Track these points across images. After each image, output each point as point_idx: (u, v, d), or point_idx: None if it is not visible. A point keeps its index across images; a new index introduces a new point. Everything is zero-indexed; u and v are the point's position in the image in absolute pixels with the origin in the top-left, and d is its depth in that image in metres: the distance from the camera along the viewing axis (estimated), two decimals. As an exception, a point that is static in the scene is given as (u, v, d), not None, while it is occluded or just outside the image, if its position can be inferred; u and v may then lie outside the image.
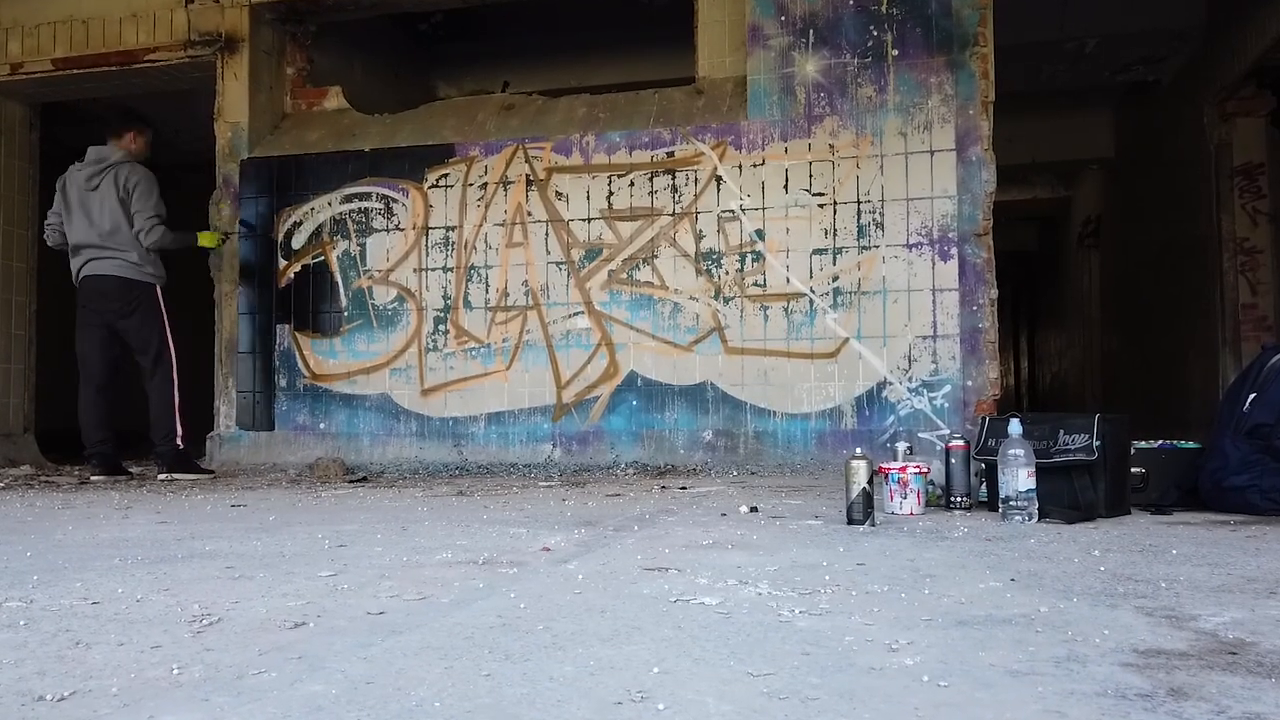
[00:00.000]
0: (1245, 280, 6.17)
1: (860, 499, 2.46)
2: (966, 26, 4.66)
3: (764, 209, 4.83)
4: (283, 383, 5.40)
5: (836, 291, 4.73)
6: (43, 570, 1.93)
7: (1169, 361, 7.17)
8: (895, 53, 4.74)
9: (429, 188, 5.29)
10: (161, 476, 4.54)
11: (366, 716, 0.99)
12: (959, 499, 2.85)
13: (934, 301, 4.60)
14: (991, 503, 2.76)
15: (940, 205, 4.63)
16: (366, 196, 5.38)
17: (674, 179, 4.95)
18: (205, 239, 5.09)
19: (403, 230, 5.31)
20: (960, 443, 2.90)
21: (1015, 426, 2.58)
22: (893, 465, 2.79)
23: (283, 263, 5.46)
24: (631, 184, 5.00)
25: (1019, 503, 2.52)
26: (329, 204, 5.43)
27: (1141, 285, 7.96)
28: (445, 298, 5.22)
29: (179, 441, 4.65)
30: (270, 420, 5.39)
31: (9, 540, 2.42)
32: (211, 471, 4.76)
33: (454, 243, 5.23)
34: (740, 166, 4.88)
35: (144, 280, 4.72)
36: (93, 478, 4.58)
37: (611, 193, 5.03)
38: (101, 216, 4.63)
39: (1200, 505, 2.83)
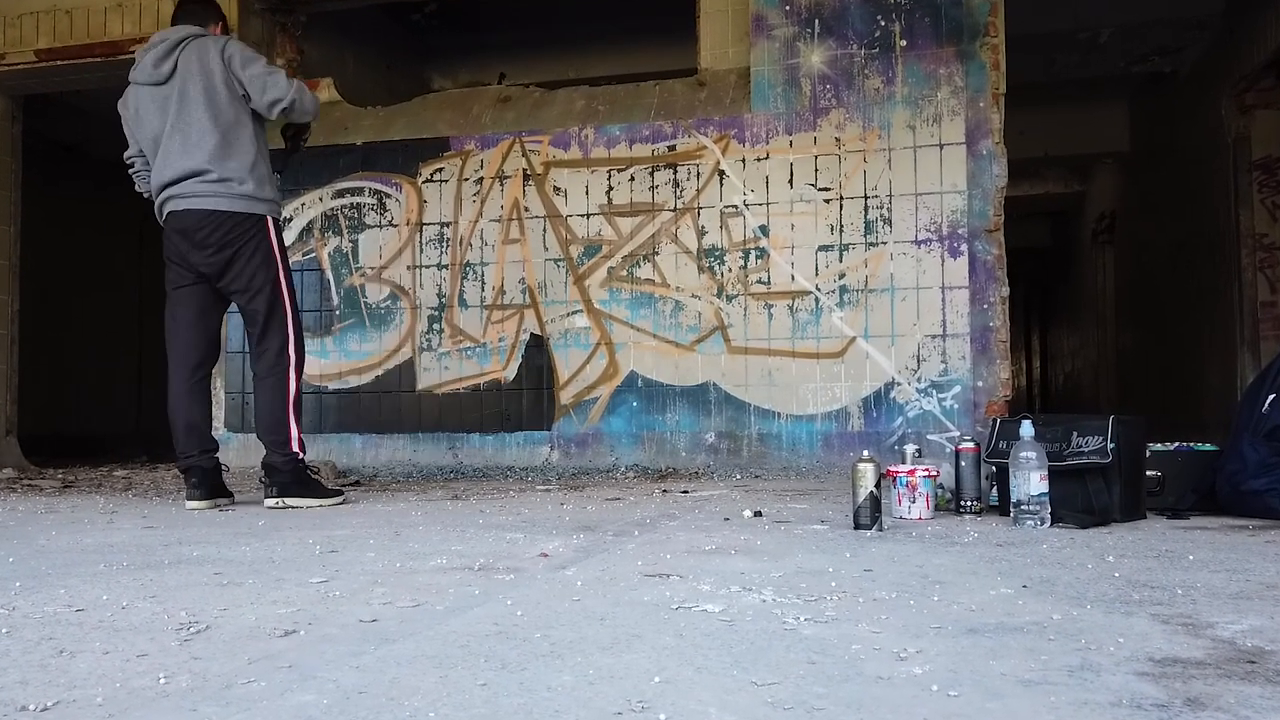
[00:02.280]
0: (1264, 277, 6.16)
1: (867, 503, 2.46)
2: (977, 16, 4.66)
3: (768, 204, 4.83)
4: (272, 383, 5.40)
5: (843, 289, 4.73)
6: (25, 576, 1.93)
7: (1185, 361, 7.17)
8: (903, 43, 4.74)
9: (423, 182, 5.29)
10: (270, 503, 3.31)
11: (359, 727, 0.99)
12: (969, 503, 2.85)
13: (943, 299, 4.60)
14: (1003, 507, 2.76)
15: (950, 200, 4.63)
16: (358, 191, 5.39)
17: (675, 173, 4.95)
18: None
19: (396, 226, 5.31)
20: (970, 445, 2.89)
21: (1027, 428, 2.57)
22: (901, 468, 2.78)
23: (272, 260, 5.45)
24: (632, 178, 5.00)
25: (1031, 507, 2.52)
26: (320, 199, 5.43)
27: (1157, 283, 7.96)
28: (440, 296, 5.22)
29: (299, 451, 3.38)
30: (260, 422, 5.39)
31: (-9, 546, 2.42)
32: (342, 493, 3.54)
33: (449, 239, 5.23)
34: (744, 160, 4.88)
35: (258, 213, 3.39)
36: (188, 504, 3.33)
37: (611, 187, 5.03)
38: (190, 120, 3.30)
39: (1218, 509, 2.83)
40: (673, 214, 4.95)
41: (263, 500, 3.38)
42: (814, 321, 4.74)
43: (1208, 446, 3.04)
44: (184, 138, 3.31)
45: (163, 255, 3.46)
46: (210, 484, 3.38)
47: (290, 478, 3.34)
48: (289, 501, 3.31)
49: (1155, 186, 7.95)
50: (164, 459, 6.42)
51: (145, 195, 3.57)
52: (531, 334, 5.09)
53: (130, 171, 3.57)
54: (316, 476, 3.60)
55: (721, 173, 4.90)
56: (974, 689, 1.10)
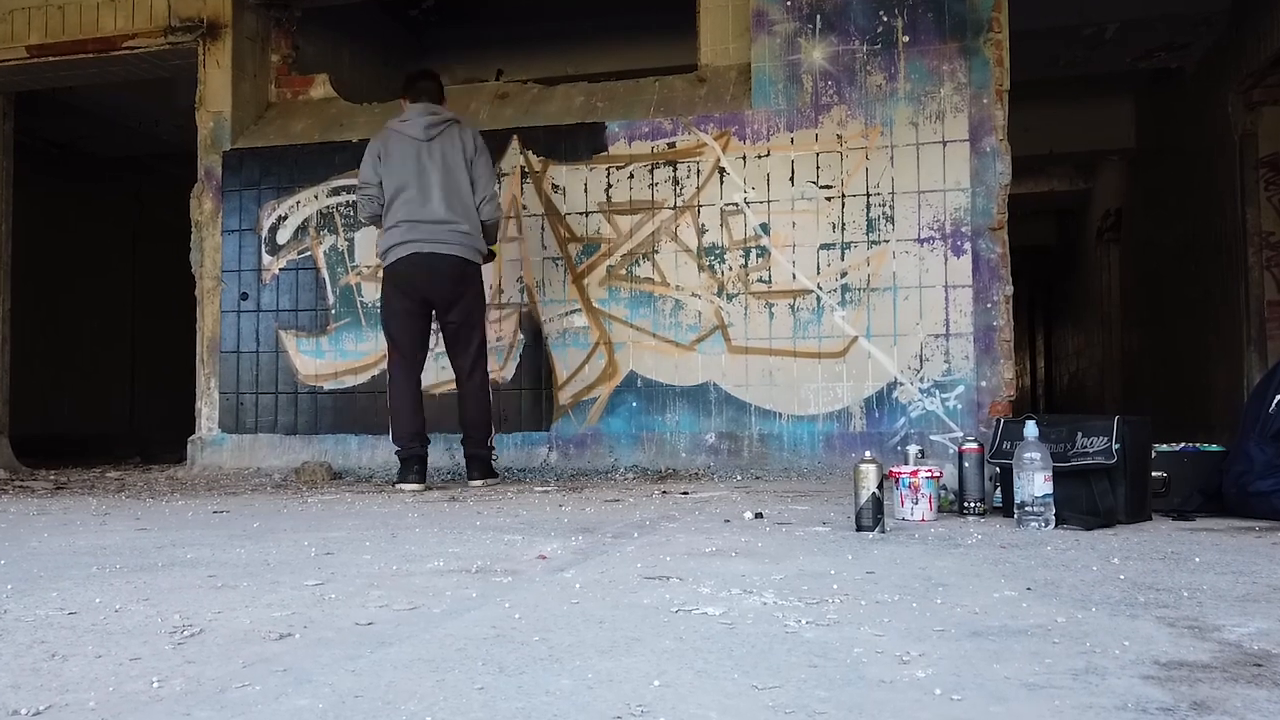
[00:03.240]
0: (1271, 276, 6.17)
1: (870, 504, 2.46)
2: (980, 11, 4.66)
3: (769, 202, 4.83)
4: (267, 383, 5.40)
5: (845, 288, 4.73)
6: (17, 579, 1.93)
7: (1191, 361, 7.17)
8: (906, 39, 4.74)
9: (420, 180, 5.28)
10: (475, 482, 4.19)
11: (355, 732, 0.99)
12: (973, 504, 2.85)
13: (946, 298, 4.60)
14: (1006, 508, 2.76)
15: (953, 198, 4.63)
16: (355, 189, 5.38)
17: (675, 171, 4.95)
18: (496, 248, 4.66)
19: (392, 224, 5.30)
20: (974, 446, 2.90)
21: (1031, 429, 2.58)
22: (904, 469, 2.79)
23: (267, 258, 5.46)
24: (631, 176, 5.00)
25: (1035, 508, 2.52)
26: (315, 197, 5.43)
27: (1163, 281, 7.96)
28: (437, 295, 5.21)
29: (492, 444, 4.34)
30: (254, 423, 5.39)
31: (-18, 548, 2.42)
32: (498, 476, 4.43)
33: (446, 237, 5.22)
34: (744, 158, 4.88)
35: (476, 261, 4.25)
36: (401, 486, 4.08)
37: (610, 185, 5.03)
38: (442, 177, 4.12)
39: (1224, 511, 2.83)
40: (673, 212, 4.94)
41: (469, 483, 4.24)
42: (815, 321, 4.74)
43: (1214, 447, 3.05)
44: (432, 188, 4.14)
45: (393, 282, 4.21)
46: (424, 472, 4.19)
47: (488, 466, 4.27)
48: (489, 482, 4.21)
49: (1161, 184, 7.96)
50: (157, 459, 6.42)
51: (365, 219, 4.36)
52: (529, 334, 5.08)
53: (360, 193, 4.29)
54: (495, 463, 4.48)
55: (722, 170, 4.90)
56: (977, 692, 1.10)
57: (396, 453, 4.18)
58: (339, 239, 5.38)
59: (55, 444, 7.40)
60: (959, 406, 4.54)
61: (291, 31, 5.95)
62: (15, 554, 2.30)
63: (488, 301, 5.14)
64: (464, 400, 4.27)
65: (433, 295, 4.15)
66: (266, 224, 5.48)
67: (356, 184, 4.34)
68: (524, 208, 5.14)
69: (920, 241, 4.65)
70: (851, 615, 1.51)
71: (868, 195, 4.73)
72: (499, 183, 4.73)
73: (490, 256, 4.43)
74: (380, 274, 4.34)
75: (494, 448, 4.36)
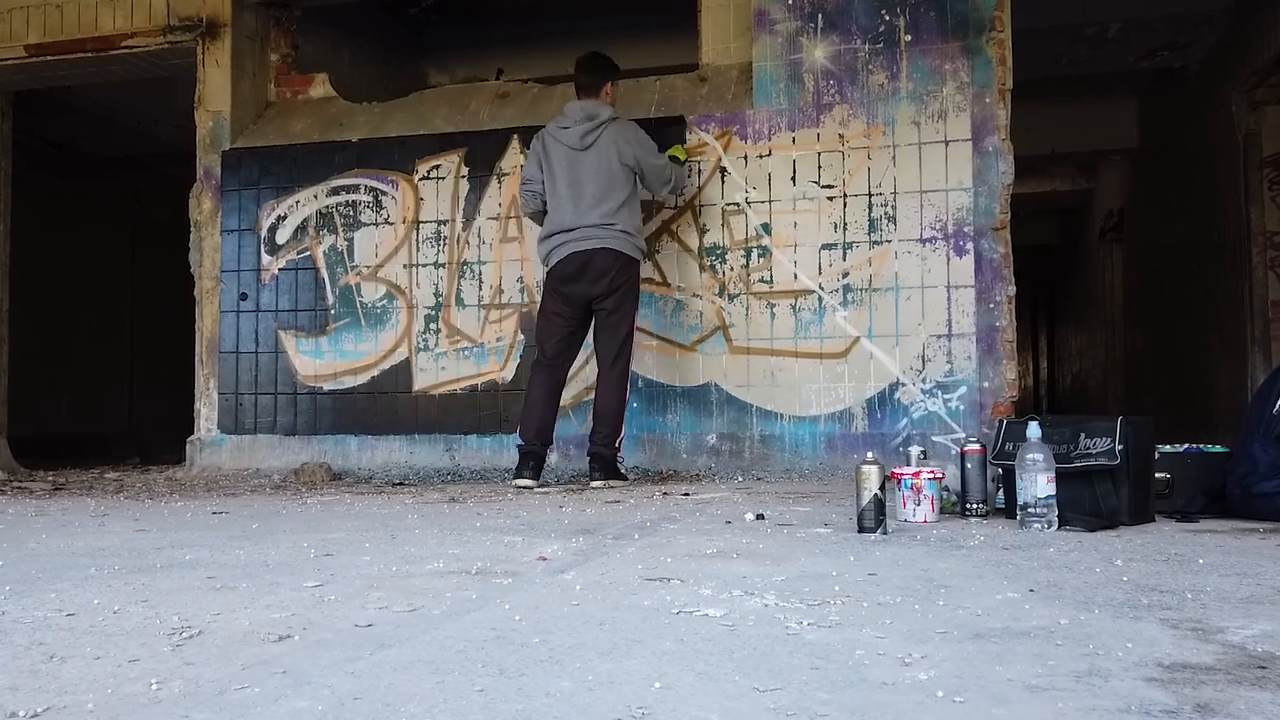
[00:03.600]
0: (1275, 276, 6.16)
1: (871, 506, 2.46)
2: (983, 10, 4.65)
3: (770, 202, 4.83)
4: (266, 384, 5.41)
5: (846, 288, 4.73)
6: (15, 580, 1.93)
7: (1195, 361, 7.17)
8: (908, 38, 4.74)
9: (419, 180, 5.29)
10: (596, 484, 4.15)
11: (354, 734, 0.99)
12: (975, 506, 2.85)
13: (949, 299, 4.59)
14: (1009, 510, 2.76)
15: (955, 198, 4.63)
16: (354, 189, 5.39)
17: (676, 170, 4.94)
18: (678, 151, 4.67)
19: (392, 224, 5.31)
20: (976, 447, 2.90)
21: (1034, 430, 2.58)
22: (906, 470, 2.78)
23: (266, 258, 5.46)
24: (632, 176, 4.99)
25: (1038, 510, 2.52)
26: (315, 197, 5.43)
27: (1166, 281, 7.95)
28: (437, 295, 5.22)
29: (619, 445, 4.29)
30: (253, 423, 5.40)
31: (-20, 549, 2.42)
32: (626, 477, 4.34)
33: (446, 237, 5.23)
34: (745, 157, 4.88)
35: (635, 257, 4.33)
36: (515, 482, 4.19)
37: (611, 185, 5.02)
38: (598, 183, 4.25)
39: (1228, 512, 2.83)
40: (673, 211, 4.94)
41: (590, 484, 4.20)
42: (817, 321, 4.74)
43: (1218, 448, 3.04)
44: (584, 198, 4.27)
45: (547, 280, 4.39)
46: (539, 470, 4.25)
47: (611, 465, 4.21)
48: (611, 483, 4.15)
49: (1164, 184, 7.95)
50: (156, 460, 6.43)
51: (528, 213, 4.56)
52: (529, 334, 5.08)
53: (524, 188, 4.47)
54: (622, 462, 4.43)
55: (723, 169, 4.90)
56: (980, 695, 1.10)
57: (518, 447, 4.29)
58: (338, 239, 5.38)
59: (53, 444, 7.40)
60: (961, 407, 4.54)
61: (291, 30, 5.96)
62: (13, 555, 2.31)
63: (487, 301, 5.16)
64: (598, 389, 4.30)
65: (590, 289, 4.25)
66: (266, 224, 5.48)
67: (521, 179, 4.53)
68: (524, 207, 5.13)
69: (922, 241, 4.65)
70: (853, 617, 1.51)
71: (870, 195, 4.73)
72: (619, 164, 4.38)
73: (677, 161, 4.57)
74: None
75: (620, 449, 4.30)
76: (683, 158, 4.65)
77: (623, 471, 4.31)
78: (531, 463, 4.19)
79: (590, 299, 4.27)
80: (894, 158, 4.71)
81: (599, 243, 4.22)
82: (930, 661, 1.24)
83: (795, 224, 4.80)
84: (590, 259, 4.22)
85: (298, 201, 5.45)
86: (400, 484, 4.60)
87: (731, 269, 4.85)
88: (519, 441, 4.29)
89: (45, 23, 5.88)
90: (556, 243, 4.28)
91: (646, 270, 4.95)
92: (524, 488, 4.10)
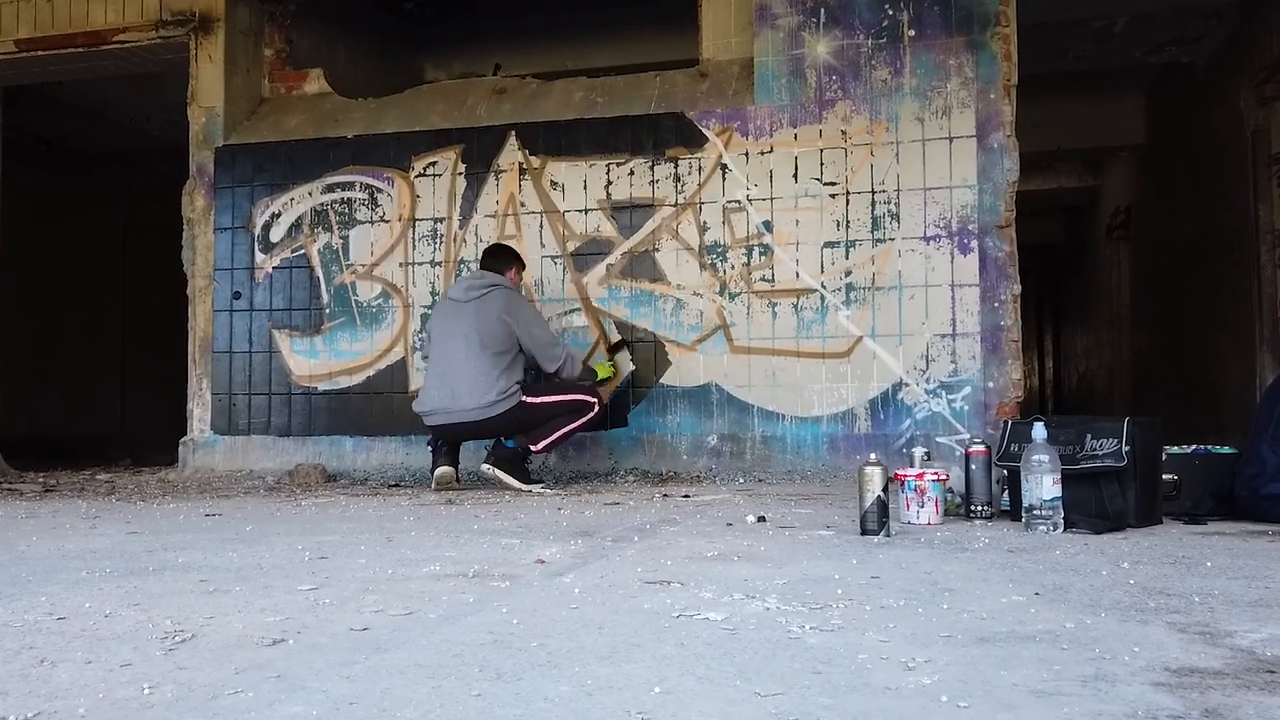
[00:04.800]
0: (1284, 274, 6.15)
1: (875, 508, 2.46)
2: (987, 5, 4.65)
3: (772, 199, 4.83)
4: (260, 384, 5.41)
5: (849, 287, 4.73)
6: (5, 583, 1.93)
7: (1203, 361, 7.17)
8: (912, 33, 4.74)
9: (416, 177, 5.29)
10: (485, 467, 4.21)
11: (349, 739, 0.99)
12: (980, 508, 2.85)
13: (953, 297, 4.60)
14: (1014, 512, 2.76)
15: (960, 195, 4.63)
16: (349, 186, 5.39)
17: (676, 168, 4.95)
18: (602, 370, 4.62)
19: (388, 222, 5.31)
20: (981, 448, 2.90)
21: (1039, 431, 2.58)
22: (909, 472, 2.79)
23: (260, 256, 5.46)
24: (631, 173, 5.00)
25: (1043, 512, 2.52)
26: (309, 194, 5.43)
27: (1174, 280, 7.95)
28: (433, 294, 5.22)
29: (540, 451, 4.31)
30: (247, 424, 5.40)
31: (-31, 552, 2.42)
32: (542, 481, 4.37)
33: (442, 235, 5.23)
34: (747, 154, 4.88)
35: (514, 393, 4.23)
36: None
37: (610, 182, 5.03)
38: (471, 344, 4.21)
39: (1236, 514, 2.83)
40: (674, 209, 4.94)
41: (483, 464, 4.22)
42: (819, 320, 4.74)
43: (1226, 449, 3.04)
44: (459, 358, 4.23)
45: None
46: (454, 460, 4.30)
47: (518, 463, 4.21)
48: (499, 475, 4.14)
49: (1172, 180, 7.95)
50: (148, 461, 6.42)
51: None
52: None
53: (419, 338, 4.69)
54: (534, 471, 4.44)
55: (724, 167, 4.90)
56: (984, 700, 1.10)
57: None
58: (333, 237, 5.38)
59: (43, 445, 7.40)
60: (965, 408, 4.54)
61: (285, 25, 5.96)
62: (3, 558, 2.31)
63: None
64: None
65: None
66: (259, 221, 5.48)
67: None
68: (522, 205, 5.14)
69: (926, 239, 4.65)
70: (856, 621, 1.51)
71: (873, 192, 4.73)
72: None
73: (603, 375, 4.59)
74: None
75: (533, 453, 4.30)
76: (604, 376, 4.58)
77: (529, 476, 4.25)
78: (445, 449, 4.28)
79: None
80: (897, 154, 4.71)
81: (468, 416, 4.17)
82: (934, 666, 1.24)
83: (797, 222, 4.80)
84: (458, 430, 4.25)
85: (292, 199, 5.45)
86: (396, 486, 4.60)
87: (732, 267, 4.85)
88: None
89: (35, 17, 5.88)
90: (425, 408, 4.27)
91: (647, 268, 4.95)
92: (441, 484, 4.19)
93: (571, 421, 4.25)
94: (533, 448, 4.23)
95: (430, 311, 4.92)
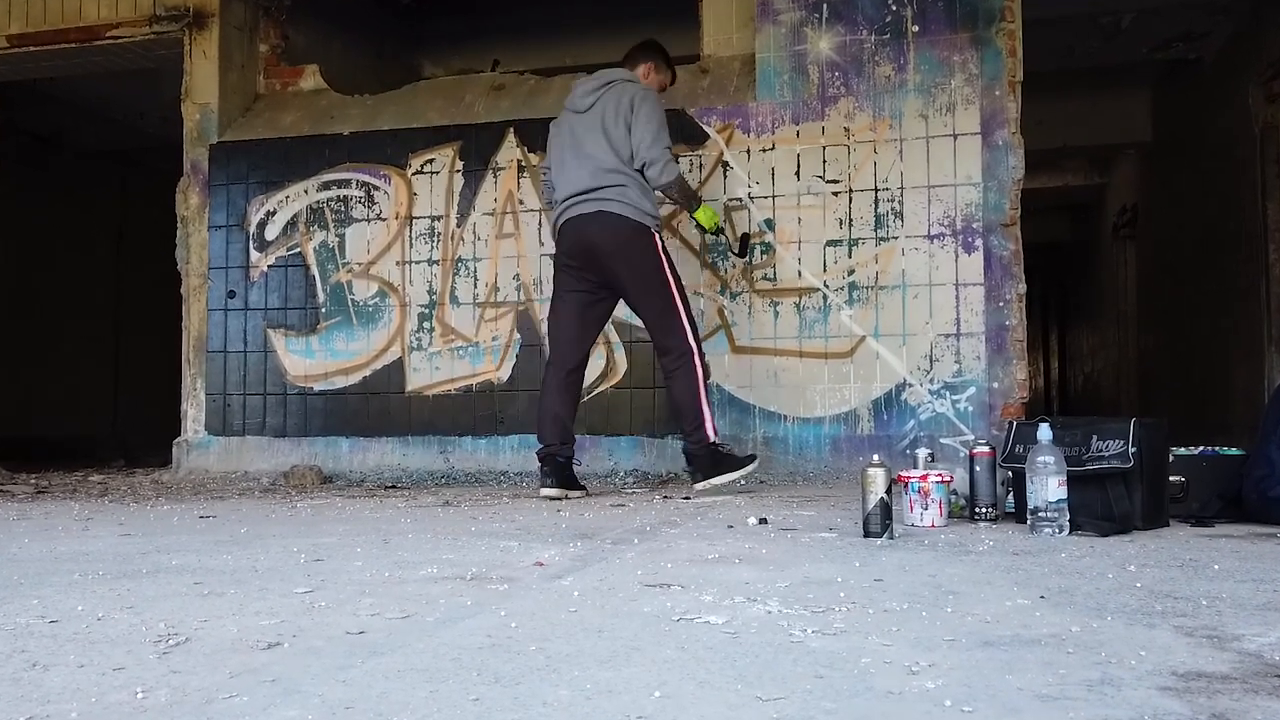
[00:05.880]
0: (1293, 273, 6.16)
1: (878, 510, 2.46)
2: (992, 0, 4.65)
3: (774, 197, 4.83)
4: (255, 384, 5.41)
5: (852, 286, 4.73)
6: (-3, 586, 1.93)
7: (1211, 361, 7.17)
8: (915, 29, 4.74)
9: (413, 174, 5.29)
10: (700, 487, 3.80)
11: (345, 744, 0.99)
12: (984, 510, 2.85)
13: (957, 297, 4.60)
14: (1019, 514, 2.76)
15: (964, 193, 4.63)
16: (345, 184, 5.39)
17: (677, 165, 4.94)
18: (706, 214, 4.13)
19: (385, 220, 5.32)
20: (985, 449, 2.90)
21: (1045, 432, 2.58)
22: (913, 473, 2.78)
23: (255, 255, 5.46)
24: (631, 170, 4.99)
25: (1049, 514, 2.52)
26: (305, 192, 5.44)
27: (1181, 279, 7.95)
28: (430, 293, 5.22)
29: (711, 435, 3.79)
30: (242, 425, 5.40)
31: (-40, 554, 2.42)
32: (754, 457, 3.95)
33: (440, 233, 5.23)
34: (748, 151, 4.88)
35: (643, 223, 3.84)
36: (542, 491, 3.79)
37: (610, 179, 5.02)
38: (596, 145, 3.83)
39: (1244, 516, 2.83)
40: (674, 207, 4.94)
41: (692, 486, 3.87)
42: (822, 320, 4.74)
43: (1234, 451, 3.04)
44: (581, 162, 3.87)
45: (554, 260, 4.05)
46: (562, 475, 3.85)
47: (709, 461, 3.79)
48: (717, 482, 3.77)
49: (1179, 178, 7.95)
50: (142, 463, 6.42)
51: (544, 205, 4.32)
52: (526, 333, 5.08)
53: (541, 178, 4.30)
54: (728, 451, 4.00)
55: (725, 164, 4.90)
56: (989, 704, 1.10)
57: (537, 452, 3.94)
58: (329, 235, 5.38)
59: (36, 446, 7.40)
60: (970, 409, 4.54)
61: (280, 21, 5.96)
62: (-5, 560, 2.30)
63: (483, 299, 5.15)
64: (667, 382, 3.92)
65: (588, 267, 3.87)
66: (254, 219, 5.48)
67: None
68: (520, 202, 5.14)
69: (930, 238, 4.65)
70: (859, 624, 1.51)
71: (876, 190, 4.73)
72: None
73: (703, 223, 4.12)
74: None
75: (710, 436, 3.79)
76: (707, 225, 4.15)
77: (734, 457, 3.88)
78: (548, 469, 3.82)
79: (604, 279, 3.88)
80: (901, 152, 4.71)
81: (597, 206, 3.80)
82: (938, 670, 1.24)
83: (799, 220, 4.80)
84: (586, 226, 3.83)
85: (287, 196, 5.45)
86: (393, 487, 4.60)
87: (734, 266, 4.85)
88: (539, 450, 3.94)
89: (28, 12, 5.88)
90: (555, 213, 3.96)
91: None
92: (550, 499, 3.75)
93: (695, 385, 3.80)
94: (710, 438, 3.80)
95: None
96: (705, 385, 3.84)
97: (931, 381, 4.60)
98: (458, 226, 5.22)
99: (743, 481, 3.92)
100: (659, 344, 3.91)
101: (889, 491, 2.48)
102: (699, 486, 3.80)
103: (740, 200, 4.87)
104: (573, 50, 7.02)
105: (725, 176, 4.89)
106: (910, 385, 4.62)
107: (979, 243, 4.60)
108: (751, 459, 3.90)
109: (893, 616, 1.56)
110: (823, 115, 4.82)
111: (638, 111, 3.82)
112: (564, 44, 7.09)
